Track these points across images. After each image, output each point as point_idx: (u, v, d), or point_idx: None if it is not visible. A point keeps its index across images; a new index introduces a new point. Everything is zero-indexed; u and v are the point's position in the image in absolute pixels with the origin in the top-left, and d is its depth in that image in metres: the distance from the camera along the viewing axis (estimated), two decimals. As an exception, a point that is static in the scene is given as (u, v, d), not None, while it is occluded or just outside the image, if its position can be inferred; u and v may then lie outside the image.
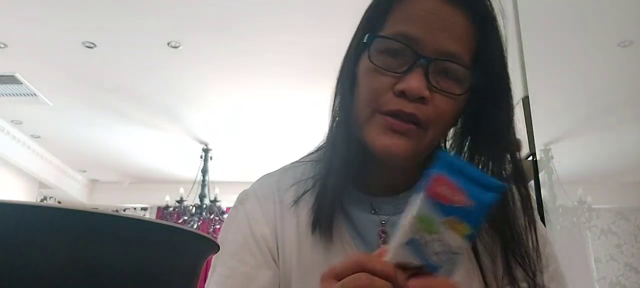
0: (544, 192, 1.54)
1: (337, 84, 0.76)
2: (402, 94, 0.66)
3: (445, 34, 0.67)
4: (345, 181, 0.73)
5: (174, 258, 0.37)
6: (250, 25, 3.69)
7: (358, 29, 0.75)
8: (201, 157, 5.82)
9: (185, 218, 5.46)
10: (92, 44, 3.97)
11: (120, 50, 4.07)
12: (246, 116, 5.23)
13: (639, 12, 1.17)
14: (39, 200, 6.88)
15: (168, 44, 3.96)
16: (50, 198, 7.23)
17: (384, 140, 0.67)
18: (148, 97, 4.88)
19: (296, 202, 0.75)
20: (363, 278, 0.47)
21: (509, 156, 0.71)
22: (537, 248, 0.71)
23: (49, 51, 4.09)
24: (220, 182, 6.08)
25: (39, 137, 6.07)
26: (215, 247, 0.42)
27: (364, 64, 0.71)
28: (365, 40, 0.71)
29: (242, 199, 0.80)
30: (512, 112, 0.72)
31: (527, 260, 0.70)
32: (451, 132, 0.76)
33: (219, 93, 4.75)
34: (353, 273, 0.48)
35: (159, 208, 7.46)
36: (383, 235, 0.73)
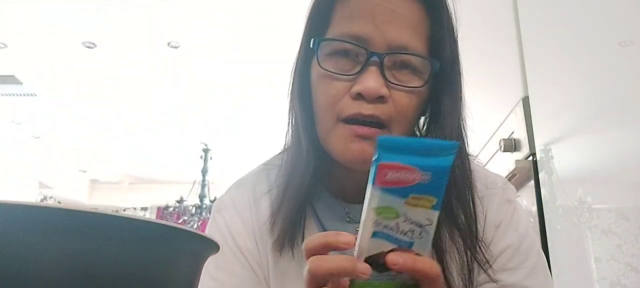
0: (544, 192, 1.54)
1: (290, 96, 0.70)
2: (359, 96, 0.61)
3: (395, 25, 0.61)
4: (304, 201, 0.68)
5: (174, 258, 0.37)
6: (251, 25, 3.69)
7: (303, 34, 0.69)
8: (201, 157, 5.82)
9: (185, 218, 5.47)
10: (92, 44, 3.97)
11: (120, 50, 4.07)
12: (246, 116, 5.23)
13: (639, 12, 1.16)
14: (39, 200, 6.87)
15: (168, 44, 3.96)
16: (50, 198, 7.23)
17: (351, 149, 0.62)
18: (148, 97, 4.88)
19: (271, 220, 0.70)
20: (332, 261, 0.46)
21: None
22: (475, 224, 0.65)
23: (49, 51, 4.09)
24: (220, 182, 6.07)
25: (38, 137, 6.07)
26: (215, 247, 0.42)
27: (315, 70, 0.65)
28: (311, 45, 0.65)
29: (219, 208, 0.75)
30: (463, 96, 0.67)
31: (475, 243, 0.64)
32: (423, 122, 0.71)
33: (219, 93, 4.75)
34: (320, 253, 0.47)
35: (159, 208, 7.47)
36: None
